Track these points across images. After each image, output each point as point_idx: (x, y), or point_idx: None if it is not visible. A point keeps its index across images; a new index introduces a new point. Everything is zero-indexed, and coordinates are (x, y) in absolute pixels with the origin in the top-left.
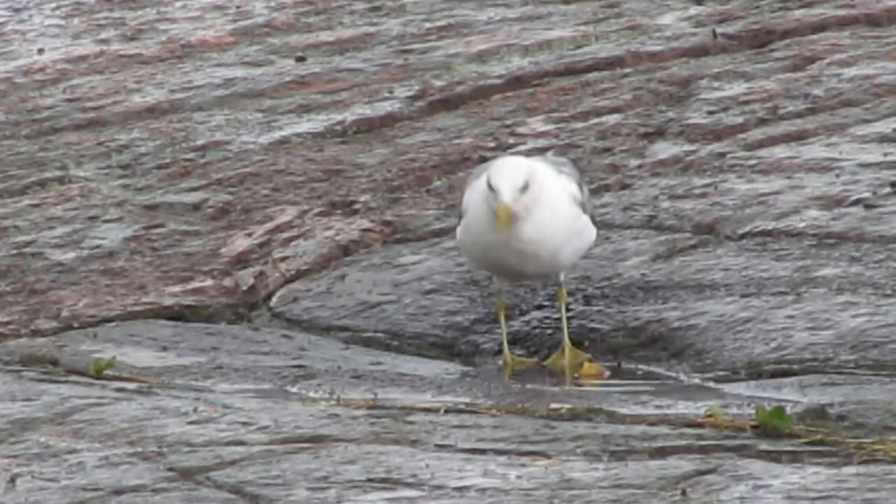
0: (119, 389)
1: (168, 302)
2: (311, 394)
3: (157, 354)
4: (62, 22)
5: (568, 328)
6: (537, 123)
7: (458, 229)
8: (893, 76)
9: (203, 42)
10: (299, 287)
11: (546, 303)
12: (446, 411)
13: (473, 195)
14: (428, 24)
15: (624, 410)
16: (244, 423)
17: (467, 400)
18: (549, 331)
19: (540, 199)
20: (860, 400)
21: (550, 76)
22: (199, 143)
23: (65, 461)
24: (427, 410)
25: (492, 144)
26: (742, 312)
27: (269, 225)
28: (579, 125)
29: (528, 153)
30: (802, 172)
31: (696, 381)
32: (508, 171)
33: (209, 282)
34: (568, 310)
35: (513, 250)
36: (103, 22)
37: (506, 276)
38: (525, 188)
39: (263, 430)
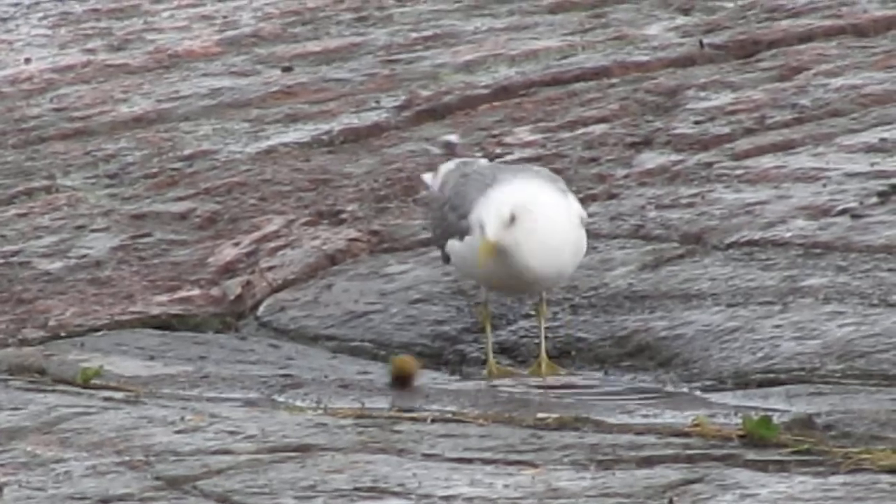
0: (106, 398)
1: (155, 311)
2: (298, 403)
3: (145, 363)
4: (49, 32)
5: (546, 341)
6: (524, 133)
7: (459, 245)
8: (880, 86)
9: (190, 52)
10: (286, 296)
11: (533, 312)
12: (433, 420)
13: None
14: (414, 34)
15: (611, 420)
16: (231, 432)
17: (454, 409)
18: (536, 340)
19: (547, 224)
20: (847, 409)
21: (537, 86)
22: (186, 152)
23: (52, 470)
24: (414, 419)
25: (479, 154)
26: (729, 322)
27: (256, 234)
28: (566, 135)
29: (514, 162)
30: (789, 182)
31: (684, 390)
32: (494, 207)
33: (196, 291)
34: (555, 319)
35: (525, 275)
36: (90, 32)
37: (506, 293)
38: (512, 220)
39: (250, 439)
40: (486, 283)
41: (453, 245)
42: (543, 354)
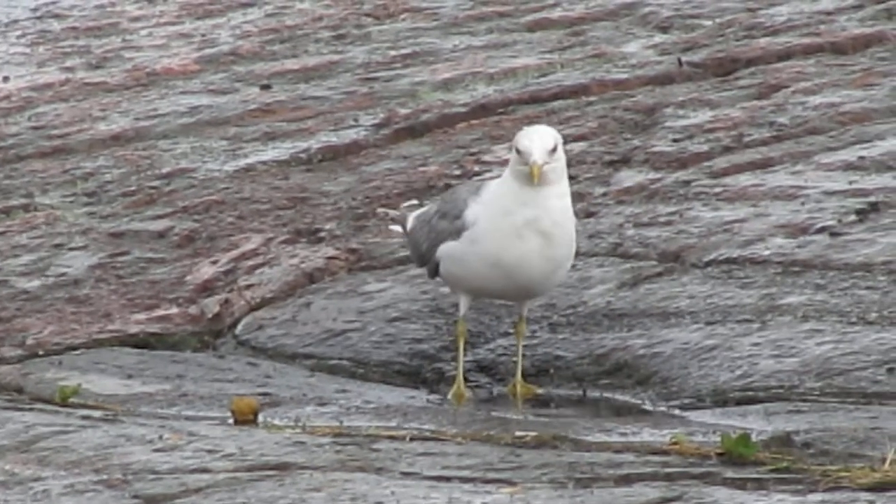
0: (84, 417)
1: (133, 330)
2: (277, 421)
3: (123, 382)
4: (27, 50)
5: (523, 360)
6: (503, 151)
7: (454, 244)
8: (858, 104)
9: (168, 70)
10: (264, 315)
11: (511, 330)
12: (412, 439)
13: (478, 208)
14: (393, 53)
15: (589, 438)
16: (209, 451)
17: (433, 427)
18: (515, 359)
19: (561, 188)
20: (825, 427)
21: (515, 104)
22: (165, 170)
23: (30, 489)
24: (392, 438)
25: (457, 172)
26: (707, 340)
27: (235, 252)
28: None
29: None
30: (767, 200)
31: (662, 408)
32: (538, 135)
33: (174, 309)
34: (533, 337)
35: (540, 234)
36: (68, 50)
37: (493, 290)
38: (554, 150)
39: (229, 457)
40: (478, 287)
41: (447, 247)
42: (519, 375)
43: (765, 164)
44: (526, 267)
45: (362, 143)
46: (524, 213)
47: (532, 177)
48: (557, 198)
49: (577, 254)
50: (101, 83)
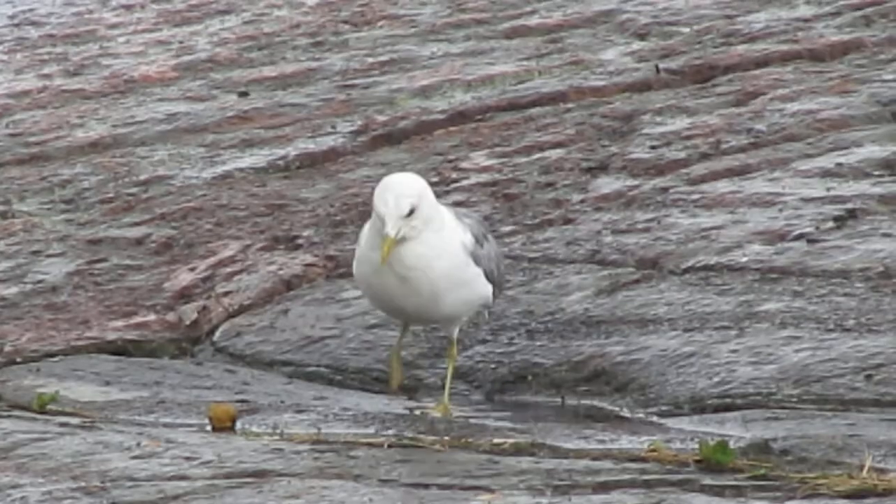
0: (62, 424)
1: (111, 336)
2: (255, 428)
3: (101, 389)
4: (5, 57)
5: (451, 385)
6: (480, 158)
7: (354, 262)
8: (836, 111)
9: (146, 77)
10: (242, 322)
11: (489, 337)
12: (390, 446)
13: (366, 227)
14: (371, 60)
15: (567, 445)
16: (187, 458)
17: (411, 434)
18: (493, 365)
19: (431, 227)
20: (803, 434)
21: (493, 111)
22: (142, 177)
23: (8, 496)
24: (370, 445)
25: (435, 179)
26: (685, 347)
27: (212, 259)
28: (522, 160)
29: (471, 188)
30: (745, 207)
31: (640, 415)
32: (395, 199)
33: (152, 316)
34: (511, 344)
35: (394, 275)
36: (46, 57)
37: (394, 312)
38: (411, 213)
39: (207, 464)
40: (371, 297)
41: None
42: (446, 398)
43: (742, 171)
44: (390, 299)
45: (340, 150)
46: (378, 256)
47: (381, 257)
48: (413, 245)
49: (555, 261)
50: (78, 90)
